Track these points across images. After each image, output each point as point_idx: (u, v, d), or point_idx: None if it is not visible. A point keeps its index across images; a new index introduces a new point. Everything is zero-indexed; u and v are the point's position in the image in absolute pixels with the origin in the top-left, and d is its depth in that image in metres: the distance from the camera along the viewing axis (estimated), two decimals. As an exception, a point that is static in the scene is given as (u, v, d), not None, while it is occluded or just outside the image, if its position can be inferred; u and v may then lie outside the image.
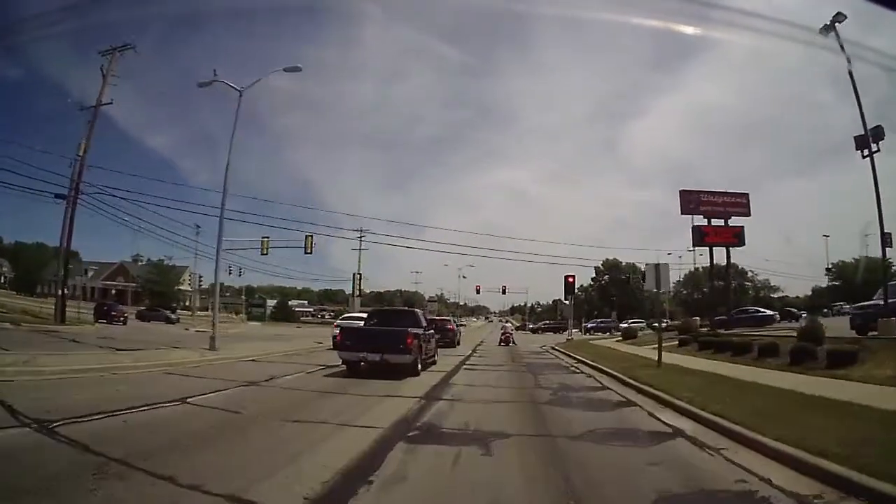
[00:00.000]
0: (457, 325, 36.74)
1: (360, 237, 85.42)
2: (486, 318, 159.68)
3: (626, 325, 78.11)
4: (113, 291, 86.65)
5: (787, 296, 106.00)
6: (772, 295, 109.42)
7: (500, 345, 37.64)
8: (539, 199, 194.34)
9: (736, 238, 38.38)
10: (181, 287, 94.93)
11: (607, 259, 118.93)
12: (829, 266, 79.07)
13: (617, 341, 39.05)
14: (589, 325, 75.22)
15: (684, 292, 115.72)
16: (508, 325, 40.15)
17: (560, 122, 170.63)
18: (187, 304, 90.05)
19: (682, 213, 38.02)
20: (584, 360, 25.34)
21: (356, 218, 73.85)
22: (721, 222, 38.05)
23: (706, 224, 37.99)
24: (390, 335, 18.06)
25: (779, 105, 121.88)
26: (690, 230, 38.04)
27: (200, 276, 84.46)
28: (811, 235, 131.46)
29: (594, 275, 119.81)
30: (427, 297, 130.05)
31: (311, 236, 49.44)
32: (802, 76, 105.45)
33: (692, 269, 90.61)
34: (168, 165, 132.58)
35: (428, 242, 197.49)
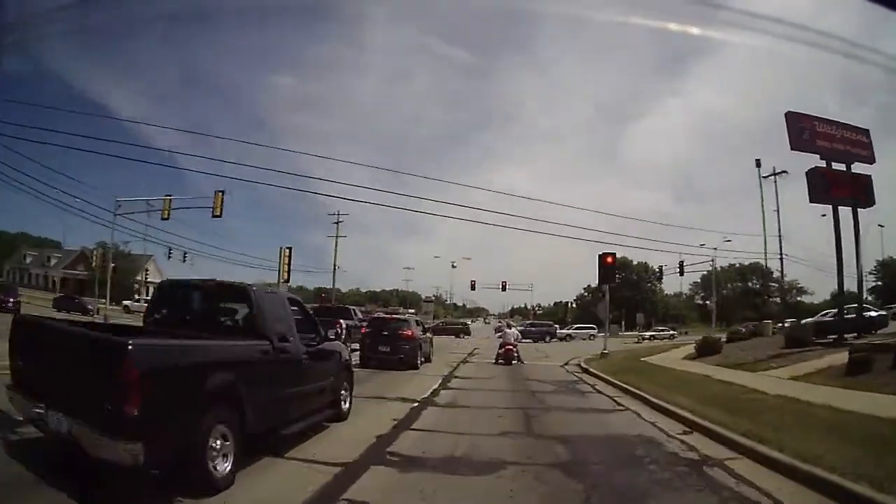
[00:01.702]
0: (421, 330, 21.13)
1: (338, 221, 72.02)
2: (485, 320, 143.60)
3: (652, 333, 64.37)
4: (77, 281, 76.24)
5: (810, 301, 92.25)
6: (799, 298, 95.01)
7: (496, 363, 22.26)
8: (539, 200, 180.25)
9: (864, 194, 22.79)
10: (141, 277, 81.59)
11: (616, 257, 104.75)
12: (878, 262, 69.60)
13: (689, 358, 23.68)
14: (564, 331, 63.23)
15: (701, 294, 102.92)
16: (512, 330, 24.40)
17: (562, 123, 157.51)
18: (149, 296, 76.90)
19: (791, 148, 22.66)
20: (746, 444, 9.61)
21: (338, 199, 59.97)
22: (842, 167, 22.55)
23: (825, 167, 22.38)
24: None
25: (783, 108, 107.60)
26: (806, 177, 22.54)
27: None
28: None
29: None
30: (423, 297, 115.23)
31: (222, 193, 35.04)
32: (807, 79, 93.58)
33: (710, 270, 75.45)
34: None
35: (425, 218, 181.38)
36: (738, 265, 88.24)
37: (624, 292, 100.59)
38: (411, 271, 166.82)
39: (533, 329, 57.03)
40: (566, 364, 23.83)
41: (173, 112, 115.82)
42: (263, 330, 6.63)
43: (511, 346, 22.27)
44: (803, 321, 33.13)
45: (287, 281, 33.03)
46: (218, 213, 34.66)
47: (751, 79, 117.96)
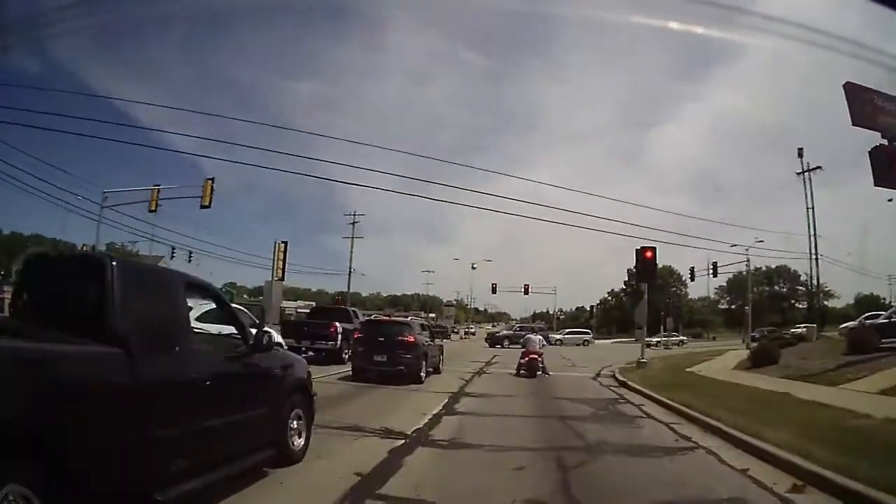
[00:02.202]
0: (427, 336, 17.63)
1: (353, 222, 69.31)
2: (508, 325, 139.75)
3: (660, 339, 60.52)
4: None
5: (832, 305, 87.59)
6: (825, 302, 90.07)
7: (518, 374, 18.87)
8: (564, 207, 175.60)
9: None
10: None
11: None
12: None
13: (741, 368, 20.16)
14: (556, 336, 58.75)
15: (727, 298, 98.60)
16: (536, 337, 20.79)
17: (584, 127, 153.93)
18: None
19: (853, 124, 19.08)
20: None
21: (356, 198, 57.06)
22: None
23: (889, 145, 18.70)
24: None
25: (803, 112, 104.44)
26: (869, 157, 18.93)
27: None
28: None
29: (626, 278, 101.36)
30: (444, 302, 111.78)
31: (212, 181, 31.90)
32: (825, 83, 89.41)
33: (739, 272, 71.18)
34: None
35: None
36: (764, 268, 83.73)
37: (649, 296, 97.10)
38: (433, 275, 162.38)
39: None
40: (598, 375, 20.37)
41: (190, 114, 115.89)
42: (114, 329, 3.95)
43: (535, 356, 18.87)
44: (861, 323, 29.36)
45: (282, 279, 29.83)
46: (207, 203, 31.53)
47: (769, 81, 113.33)
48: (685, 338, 66.39)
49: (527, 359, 18.80)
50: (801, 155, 37.65)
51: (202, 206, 32.09)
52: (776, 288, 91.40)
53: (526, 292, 67.74)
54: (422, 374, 15.86)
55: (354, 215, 68.21)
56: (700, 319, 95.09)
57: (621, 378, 18.03)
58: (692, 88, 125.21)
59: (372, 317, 17.85)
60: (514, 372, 19.21)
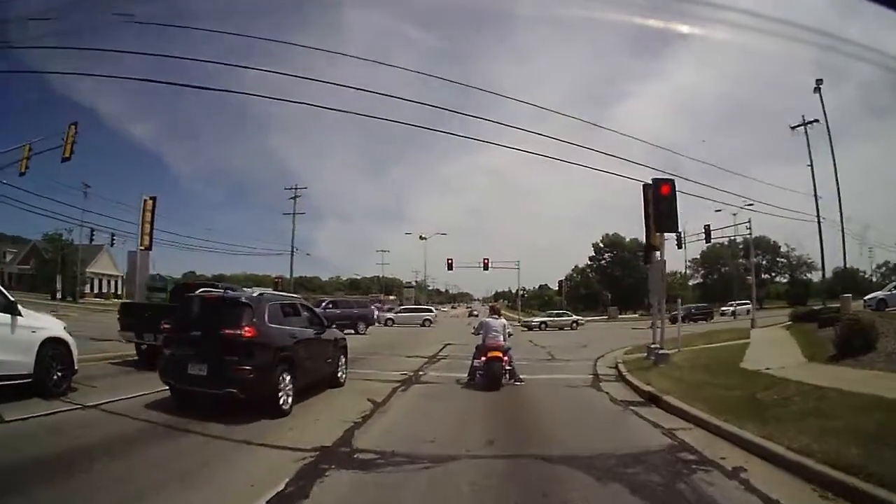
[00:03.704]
0: (305, 327, 9.65)
1: (295, 196, 61.26)
2: (468, 306, 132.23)
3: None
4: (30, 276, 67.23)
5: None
6: (808, 275, 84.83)
7: (469, 382, 11.50)
8: (521, 183, 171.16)
9: None
10: (92, 269, 71.24)
11: (607, 235, 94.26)
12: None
13: (821, 360, 12.59)
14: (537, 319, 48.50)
15: (700, 272, 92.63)
16: (499, 321, 12.57)
17: (543, 104, 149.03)
18: (102, 289, 71.70)
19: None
20: None
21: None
22: None
23: None
24: None
25: (758, 88, 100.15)
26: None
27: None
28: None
29: (592, 253, 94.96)
30: (404, 283, 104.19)
31: (74, 126, 24.01)
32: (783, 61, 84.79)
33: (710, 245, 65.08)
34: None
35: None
36: (739, 239, 77.62)
37: (615, 272, 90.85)
38: (393, 258, 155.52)
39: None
40: (597, 377, 12.88)
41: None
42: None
43: (498, 353, 11.05)
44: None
45: (149, 248, 21.37)
46: (67, 155, 23.64)
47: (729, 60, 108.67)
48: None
49: (485, 357, 10.98)
50: (818, 87, 30.30)
51: (63, 159, 24.22)
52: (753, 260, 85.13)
53: (486, 267, 59.85)
54: (280, 399, 8.12)
55: (296, 189, 60.85)
56: (672, 295, 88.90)
57: (645, 387, 10.42)
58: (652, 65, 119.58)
59: (196, 291, 9.65)
60: (466, 378, 11.50)
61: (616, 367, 14.29)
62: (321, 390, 9.98)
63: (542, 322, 43.22)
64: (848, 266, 60.79)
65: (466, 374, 11.63)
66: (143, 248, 20.86)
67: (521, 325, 41.44)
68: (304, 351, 9.14)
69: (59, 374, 8.80)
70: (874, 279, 66.79)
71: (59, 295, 51.07)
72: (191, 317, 8.57)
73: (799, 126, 34.76)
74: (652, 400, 9.72)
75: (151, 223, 21.02)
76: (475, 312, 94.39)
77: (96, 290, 70.82)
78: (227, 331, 7.88)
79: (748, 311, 52.74)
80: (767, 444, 6.21)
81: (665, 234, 14.68)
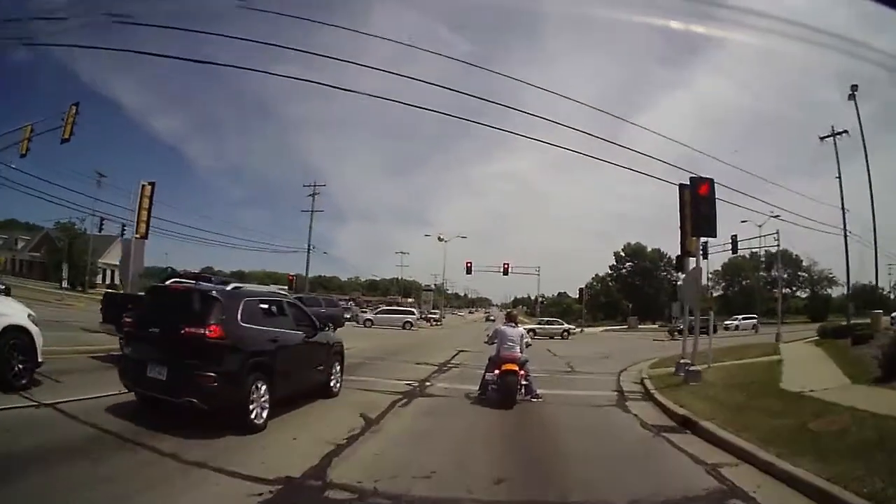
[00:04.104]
0: (289, 327, 8.25)
1: (314, 193, 60.39)
2: (486, 311, 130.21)
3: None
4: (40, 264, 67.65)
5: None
6: (828, 290, 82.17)
7: (482, 396, 10.27)
8: (546, 192, 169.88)
9: None
10: (105, 260, 69.59)
11: (628, 244, 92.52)
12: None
13: (866, 382, 11.15)
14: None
15: (722, 284, 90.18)
16: (516, 330, 11.30)
17: (565, 112, 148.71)
18: (115, 280, 65.46)
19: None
20: None
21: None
22: None
23: None
24: None
25: (784, 102, 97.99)
26: None
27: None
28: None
29: (613, 262, 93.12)
30: (423, 286, 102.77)
31: (76, 106, 23.07)
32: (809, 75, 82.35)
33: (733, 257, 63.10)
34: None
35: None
36: (761, 252, 75.05)
37: (636, 281, 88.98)
38: (412, 260, 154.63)
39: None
40: (622, 396, 11.55)
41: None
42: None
43: (513, 366, 9.76)
44: None
45: (144, 237, 20.03)
46: (67, 137, 22.85)
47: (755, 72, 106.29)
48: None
49: (500, 369, 9.72)
50: (853, 93, 28.54)
51: (62, 140, 23.47)
52: (773, 273, 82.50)
53: (505, 273, 58.43)
54: (251, 412, 6.94)
55: (314, 185, 60.03)
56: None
57: (678, 409, 9.12)
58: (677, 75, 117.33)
59: (167, 281, 8.51)
60: (478, 392, 10.24)
61: (642, 383, 12.97)
62: (309, 401, 8.80)
63: (531, 329, 40.20)
64: (868, 282, 58.74)
65: (478, 388, 10.38)
66: (138, 236, 19.65)
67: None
68: (287, 357, 7.94)
69: (20, 366, 7.84)
70: (892, 296, 64.08)
71: (64, 284, 50.37)
72: (153, 312, 7.44)
73: (828, 137, 32.93)
74: (685, 424, 8.42)
75: (149, 210, 19.80)
76: (492, 317, 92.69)
77: (108, 281, 69.03)
78: (188, 329, 6.69)
79: (753, 326, 50.59)
80: (835, 491, 4.99)
81: (707, 236, 13.26)
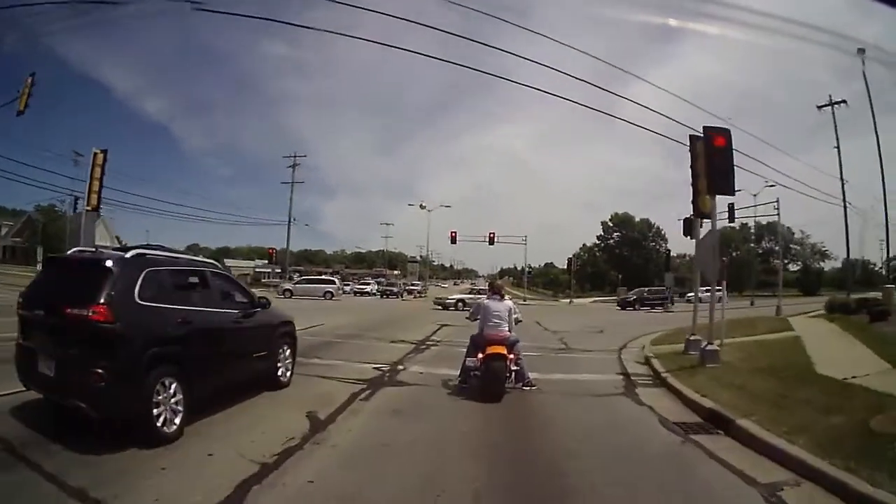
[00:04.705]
0: (215, 303, 6.43)
1: (294, 164, 58.55)
2: (472, 283, 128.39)
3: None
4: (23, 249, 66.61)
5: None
6: (820, 264, 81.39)
7: (463, 383, 8.37)
8: (531, 164, 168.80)
9: None
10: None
11: (616, 213, 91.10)
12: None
13: None
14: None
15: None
16: (503, 304, 8.97)
17: (556, 85, 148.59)
18: None
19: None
20: None
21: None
22: None
23: None
24: None
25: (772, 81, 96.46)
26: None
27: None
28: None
29: (601, 232, 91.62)
30: (409, 258, 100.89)
31: (32, 77, 20.49)
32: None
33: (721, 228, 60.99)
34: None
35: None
36: (751, 224, 73.35)
37: (623, 251, 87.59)
38: (399, 232, 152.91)
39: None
40: (630, 380, 9.71)
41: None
42: None
43: (500, 347, 7.95)
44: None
45: (96, 209, 17.64)
46: (22, 109, 20.54)
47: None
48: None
49: (482, 356, 7.90)
50: (861, 53, 26.63)
51: (18, 113, 21.25)
52: (766, 245, 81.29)
53: (491, 242, 56.53)
54: (158, 418, 5.19)
55: (294, 157, 58.17)
56: (679, 277, 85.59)
57: (703, 402, 7.37)
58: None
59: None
60: (458, 379, 8.43)
61: (649, 364, 11.25)
62: (250, 395, 7.01)
63: (458, 300, 34.89)
64: (862, 258, 57.42)
65: (458, 373, 8.52)
66: (89, 208, 17.46)
67: (435, 303, 35.11)
68: (210, 343, 6.11)
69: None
70: (884, 272, 63.18)
71: (39, 266, 48.18)
72: (44, 289, 5.64)
73: (826, 106, 32.10)
74: (715, 421, 6.68)
75: (101, 180, 17.62)
76: (477, 288, 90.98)
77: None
78: (70, 311, 4.89)
79: (720, 300, 46.50)
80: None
81: (725, 194, 11.33)
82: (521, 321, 8.97)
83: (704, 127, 11.17)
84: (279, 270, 63.52)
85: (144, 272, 5.38)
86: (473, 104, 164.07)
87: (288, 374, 7.95)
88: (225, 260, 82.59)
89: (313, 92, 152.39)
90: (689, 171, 11.47)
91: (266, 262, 66.88)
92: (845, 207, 31.33)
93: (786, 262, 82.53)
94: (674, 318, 27.75)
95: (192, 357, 5.61)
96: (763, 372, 9.20)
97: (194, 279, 6.28)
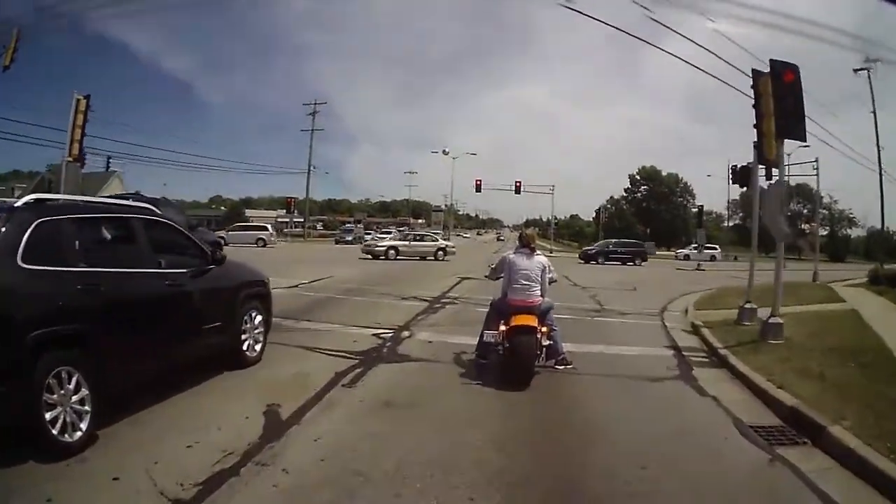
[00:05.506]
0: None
1: (314, 112, 57.10)
2: (497, 232, 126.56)
3: None
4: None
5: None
6: (848, 230, 77.84)
7: (482, 360, 6.62)
8: (556, 119, 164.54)
9: None
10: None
11: (643, 167, 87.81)
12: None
13: None
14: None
15: (740, 214, 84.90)
16: (535, 261, 6.64)
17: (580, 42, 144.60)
18: None
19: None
20: None
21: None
22: None
23: None
24: None
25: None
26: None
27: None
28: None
29: (628, 185, 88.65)
30: (433, 206, 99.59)
31: (17, 31, 19.16)
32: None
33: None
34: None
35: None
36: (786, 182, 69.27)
37: (651, 205, 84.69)
38: (424, 181, 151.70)
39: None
40: (681, 356, 8.00)
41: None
42: None
43: (529, 317, 6.21)
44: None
45: (78, 159, 15.89)
46: (7, 63, 19.07)
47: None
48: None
49: (505, 328, 6.22)
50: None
51: (3, 68, 19.78)
52: (794, 207, 77.60)
53: (517, 191, 54.55)
54: (52, 425, 3.68)
55: (315, 104, 56.74)
56: (707, 236, 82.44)
57: (786, 398, 5.61)
58: None
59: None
60: (474, 354, 6.78)
61: (698, 333, 9.65)
62: (206, 376, 5.52)
63: (390, 247, 31.50)
64: (886, 228, 54.29)
65: (476, 346, 6.80)
66: (70, 159, 15.87)
67: (364, 252, 31.43)
68: (132, 316, 4.51)
69: None
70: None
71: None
72: None
73: (862, 70, 29.69)
74: (794, 422, 5.05)
75: (83, 128, 15.98)
76: (503, 237, 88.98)
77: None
78: None
79: (712, 258, 43.79)
80: None
81: (796, 139, 9.42)
82: (555, 281, 7.06)
83: (771, 60, 9.24)
84: (299, 220, 62.38)
85: (34, 225, 3.79)
86: (497, 58, 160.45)
87: (258, 347, 6.35)
88: (246, 210, 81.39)
89: (337, 44, 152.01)
90: (760, 109, 9.47)
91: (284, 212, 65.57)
92: (881, 172, 29.61)
93: (811, 226, 79.06)
94: (703, 277, 25.89)
95: (103, 336, 4.03)
96: (835, 353, 7.45)
97: (111, 230, 4.66)
